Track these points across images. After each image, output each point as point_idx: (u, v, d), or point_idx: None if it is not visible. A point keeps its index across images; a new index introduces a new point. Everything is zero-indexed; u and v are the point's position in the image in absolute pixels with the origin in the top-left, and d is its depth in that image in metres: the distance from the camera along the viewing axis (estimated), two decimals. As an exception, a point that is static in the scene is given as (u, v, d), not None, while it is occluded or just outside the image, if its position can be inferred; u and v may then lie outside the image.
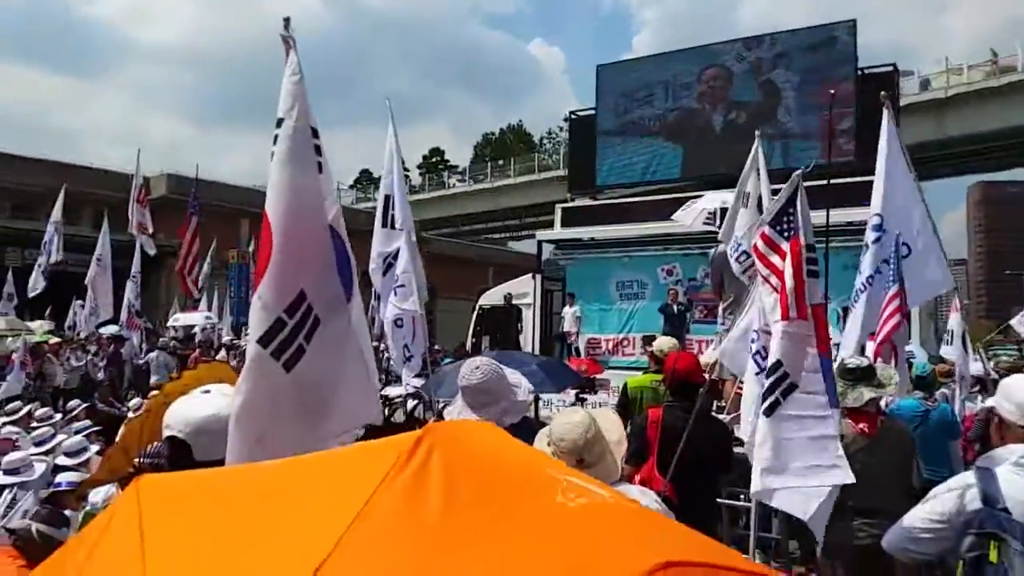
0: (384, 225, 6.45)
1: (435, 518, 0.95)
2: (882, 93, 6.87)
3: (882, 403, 5.30)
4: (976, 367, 8.56)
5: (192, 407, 1.89)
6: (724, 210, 7.07)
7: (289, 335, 2.55)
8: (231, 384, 2.46)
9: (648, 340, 13.46)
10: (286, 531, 1.00)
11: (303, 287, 2.61)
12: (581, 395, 11.83)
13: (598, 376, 13.66)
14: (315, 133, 2.83)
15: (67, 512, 4.77)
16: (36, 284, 15.67)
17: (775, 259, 4.16)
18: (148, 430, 2.51)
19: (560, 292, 19.56)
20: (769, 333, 4.17)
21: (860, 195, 14.69)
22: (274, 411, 2.49)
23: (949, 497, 2.81)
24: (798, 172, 4.22)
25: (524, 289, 19.59)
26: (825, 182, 8.63)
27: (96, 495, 4.05)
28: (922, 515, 2.90)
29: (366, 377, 2.81)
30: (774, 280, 4.16)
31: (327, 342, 2.64)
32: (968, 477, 2.85)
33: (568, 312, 17.76)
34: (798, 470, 3.95)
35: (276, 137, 2.77)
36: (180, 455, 1.84)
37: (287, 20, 2.89)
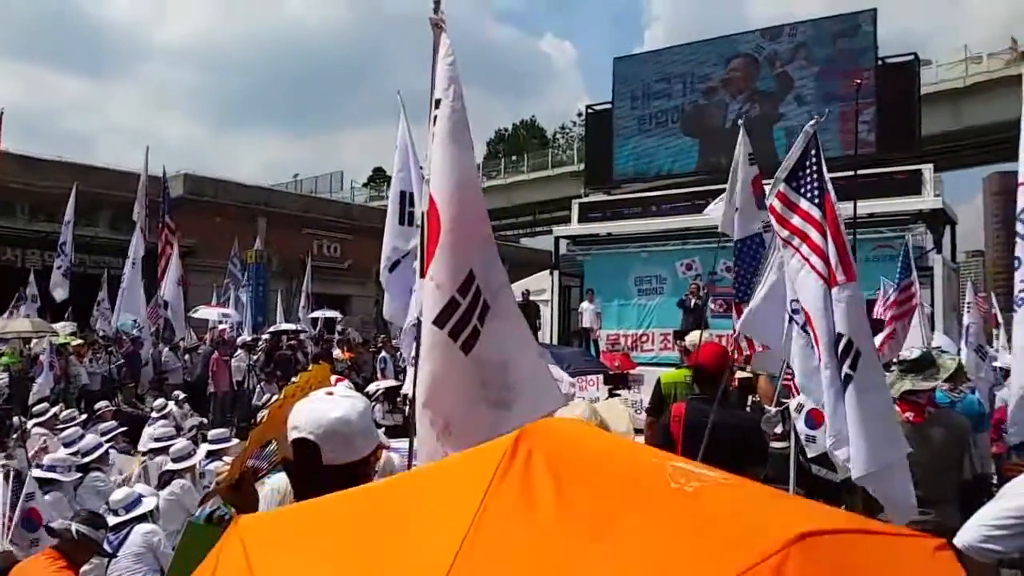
0: (401, 222, 6.32)
1: (550, 518, 0.92)
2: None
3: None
4: (1006, 358, 8.43)
5: (322, 408, 1.85)
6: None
7: (463, 316, 2.51)
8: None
9: (679, 335, 13.39)
10: (400, 553, 0.98)
11: (472, 267, 2.57)
12: (614, 391, 11.74)
13: (631, 372, 13.56)
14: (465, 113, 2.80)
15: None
16: (58, 288, 15.75)
17: (795, 220, 3.98)
18: (265, 435, 2.46)
19: (578, 288, 19.51)
20: (797, 312, 4.05)
21: (885, 185, 14.73)
22: (460, 395, 2.46)
23: None
24: (812, 123, 4.05)
25: (541, 285, 19.56)
26: (852, 173, 8.50)
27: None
28: (998, 511, 2.83)
29: (542, 362, 2.71)
30: (796, 242, 3.98)
31: (497, 326, 2.59)
32: None
33: (588, 308, 17.69)
34: (888, 443, 3.77)
35: (435, 118, 2.74)
36: (308, 458, 1.80)
37: (437, 2, 2.86)
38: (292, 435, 1.84)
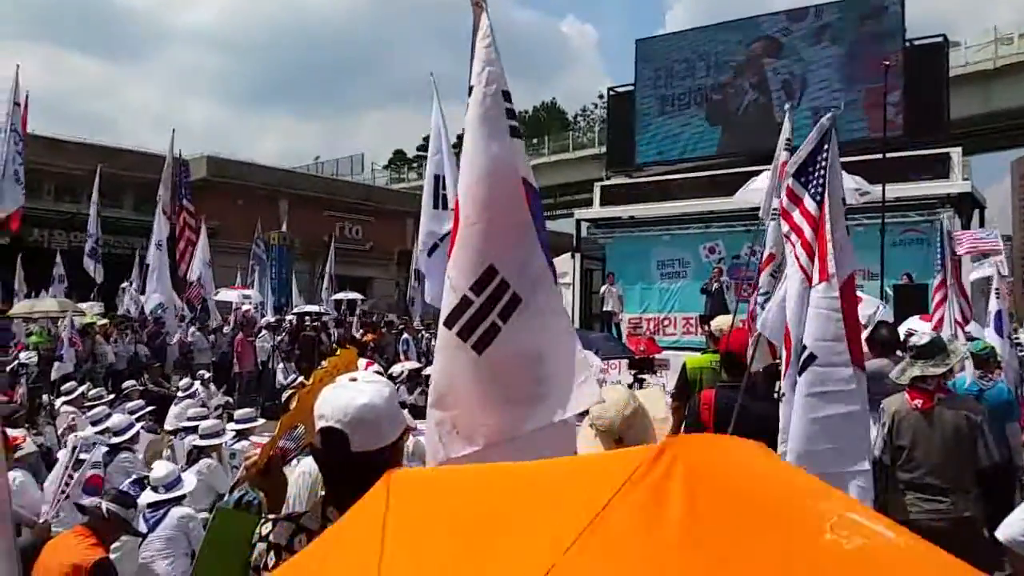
0: (435, 206, 6.33)
1: (673, 538, 0.85)
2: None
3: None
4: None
5: (348, 396, 1.83)
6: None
7: (476, 314, 2.41)
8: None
9: (705, 320, 13.30)
10: (516, 535, 0.94)
11: (492, 262, 2.45)
12: (639, 375, 11.68)
13: (657, 356, 13.51)
14: (507, 96, 2.67)
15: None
16: (93, 270, 15.94)
17: (795, 215, 3.88)
18: (294, 420, 2.45)
19: (600, 271, 19.46)
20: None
21: (913, 169, 14.54)
22: (468, 397, 2.39)
23: None
24: (828, 115, 3.90)
25: (563, 268, 19.49)
26: (880, 156, 8.40)
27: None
28: None
29: (579, 356, 2.55)
30: (793, 238, 3.88)
31: (531, 318, 2.47)
32: None
33: (611, 291, 17.62)
34: (829, 454, 3.58)
35: (467, 105, 2.65)
36: (337, 446, 1.80)
37: None
38: (319, 423, 1.82)
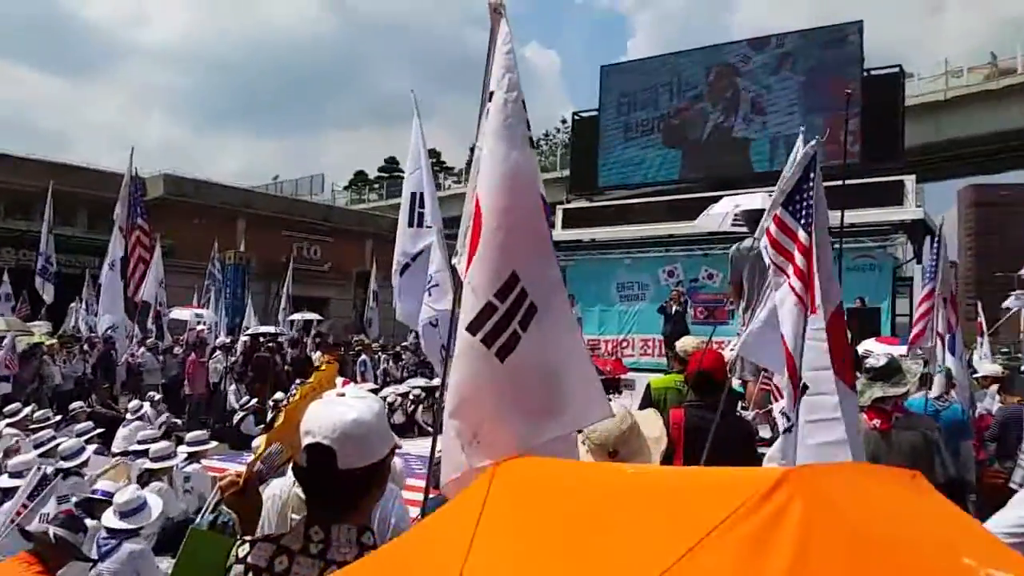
0: (411, 224, 6.22)
1: None
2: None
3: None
4: (992, 367, 8.48)
5: (335, 412, 1.75)
6: (748, 211, 6.90)
7: (500, 321, 2.36)
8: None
9: (669, 341, 13.33)
10: (606, 551, 0.85)
11: (515, 269, 2.40)
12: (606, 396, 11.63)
13: (623, 377, 13.49)
14: (524, 106, 2.65)
15: (90, 521, 4.65)
16: (42, 288, 15.55)
17: (787, 245, 3.86)
18: (278, 438, 2.35)
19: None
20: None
21: (868, 195, 14.80)
22: (491, 405, 2.32)
23: None
24: (812, 144, 3.95)
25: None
26: (840, 182, 8.49)
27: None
28: (1012, 519, 2.80)
29: (590, 369, 2.56)
30: (789, 269, 3.82)
31: (546, 329, 2.42)
32: None
33: (570, 314, 17.59)
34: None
35: (487, 112, 2.61)
36: (323, 463, 1.71)
37: None
38: (306, 440, 1.75)
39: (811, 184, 3.80)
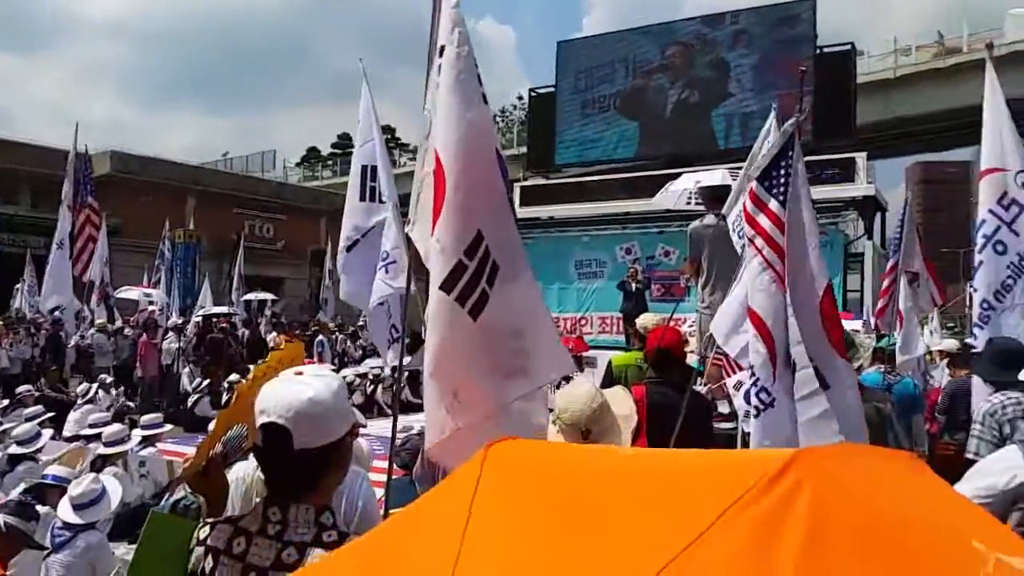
0: (363, 198, 6.02)
1: (788, 570, 0.72)
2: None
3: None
4: (949, 343, 8.64)
5: (291, 391, 1.70)
6: (706, 188, 6.90)
7: (471, 279, 2.37)
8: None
9: (629, 319, 13.37)
10: (604, 542, 0.81)
11: (480, 227, 2.42)
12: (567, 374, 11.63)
13: (585, 354, 13.55)
14: (475, 61, 2.63)
15: (42, 508, 4.50)
16: None
17: (762, 219, 3.86)
18: (233, 418, 2.29)
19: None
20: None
21: (820, 172, 14.99)
22: (468, 362, 2.34)
23: (996, 471, 2.78)
24: (791, 121, 3.96)
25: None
26: (795, 158, 8.56)
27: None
28: (967, 491, 2.84)
29: (551, 327, 2.61)
30: (759, 242, 3.85)
31: (508, 288, 2.44)
32: (1015, 452, 2.83)
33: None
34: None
35: (439, 67, 2.59)
36: (278, 443, 1.67)
37: None
38: (260, 419, 1.70)
39: (790, 160, 3.80)
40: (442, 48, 2.59)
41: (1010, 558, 0.75)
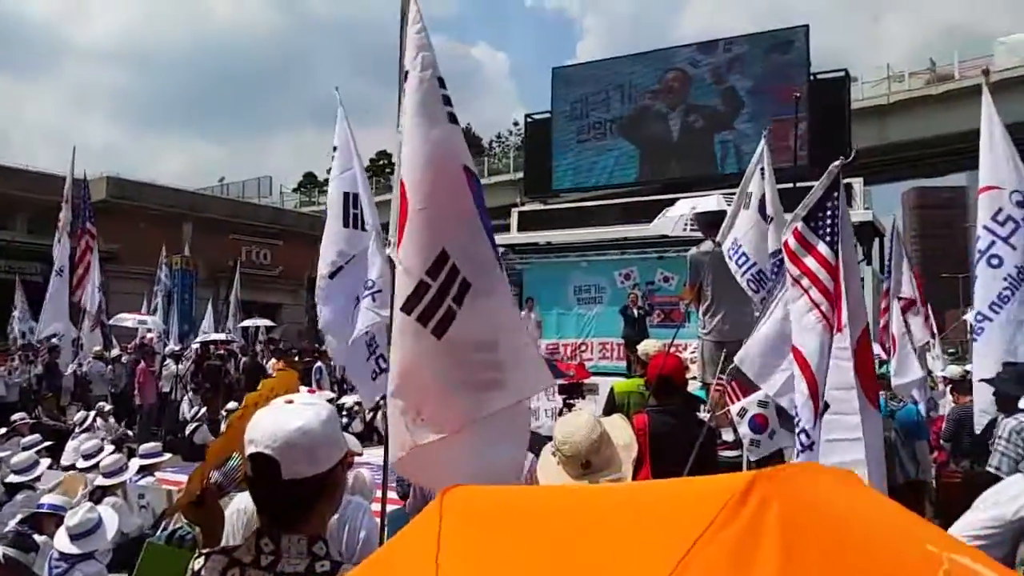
0: (346, 225, 5.99)
1: None
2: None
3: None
4: (952, 369, 8.63)
5: (279, 420, 1.69)
6: (702, 214, 6.92)
7: (434, 299, 2.40)
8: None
9: (631, 345, 13.34)
10: (589, 574, 0.80)
11: (444, 246, 2.45)
12: (569, 400, 11.59)
13: (586, 381, 13.49)
14: (442, 83, 2.69)
15: (39, 537, 4.45)
16: None
17: (809, 261, 3.83)
18: (227, 446, 2.28)
19: (517, 296, 19.44)
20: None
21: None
22: (432, 381, 2.35)
23: (1003, 501, 2.75)
24: (836, 163, 3.99)
25: (479, 294, 19.42)
26: (791, 184, 8.60)
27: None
28: (975, 523, 2.82)
29: (529, 342, 2.62)
30: (806, 283, 3.82)
31: (480, 304, 2.46)
32: (1022, 482, 2.79)
33: (530, 317, 17.57)
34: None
35: (403, 92, 2.66)
36: (267, 473, 1.66)
37: None
38: (248, 449, 1.70)
39: (836, 202, 3.78)
40: (407, 73, 2.65)
41: (960, 557, 0.78)
